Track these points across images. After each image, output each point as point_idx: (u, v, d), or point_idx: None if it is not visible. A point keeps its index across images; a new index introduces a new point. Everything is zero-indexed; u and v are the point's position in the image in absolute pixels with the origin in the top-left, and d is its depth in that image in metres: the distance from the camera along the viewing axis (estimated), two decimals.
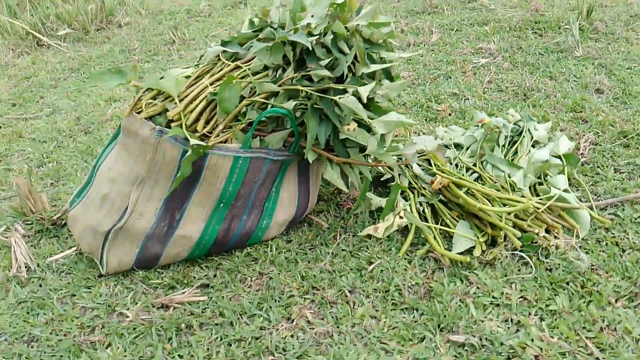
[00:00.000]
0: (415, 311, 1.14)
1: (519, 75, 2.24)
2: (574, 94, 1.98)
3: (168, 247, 1.31)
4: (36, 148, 2.16)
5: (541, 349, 1.01)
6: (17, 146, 2.22)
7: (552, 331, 1.05)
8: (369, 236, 1.36)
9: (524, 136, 1.50)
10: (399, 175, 1.48)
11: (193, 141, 1.15)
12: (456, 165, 1.48)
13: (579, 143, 1.62)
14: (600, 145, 1.63)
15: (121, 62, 3.33)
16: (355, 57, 1.25)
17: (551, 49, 2.47)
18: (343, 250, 1.34)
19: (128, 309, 1.21)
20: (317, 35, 1.24)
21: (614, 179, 1.46)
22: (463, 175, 1.42)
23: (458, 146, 1.56)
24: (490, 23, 2.91)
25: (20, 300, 1.27)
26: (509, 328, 1.07)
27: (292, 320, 1.16)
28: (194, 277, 1.32)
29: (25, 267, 1.36)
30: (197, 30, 3.86)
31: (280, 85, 1.23)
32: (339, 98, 1.20)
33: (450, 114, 1.97)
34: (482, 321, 1.08)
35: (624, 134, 1.65)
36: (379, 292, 1.20)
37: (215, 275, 1.31)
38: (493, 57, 2.47)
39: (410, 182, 1.47)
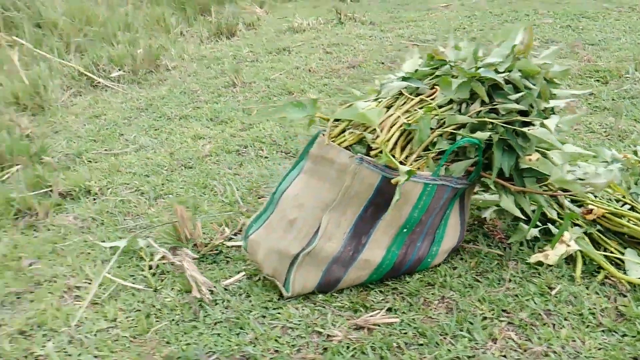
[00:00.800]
0: (615, 333, 1.19)
1: (604, 118, 2.38)
2: None
3: (350, 271, 1.35)
4: (143, 181, 2.20)
5: None
6: (120, 179, 2.25)
7: None
8: (539, 263, 1.42)
9: None
10: (545, 207, 1.56)
11: (404, 167, 1.21)
12: (601, 197, 1.57)
13: None
14: None
15: (187, 103, 3.40)
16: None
17: (622, 95, 2.63)
18: (515, 276, 1.40)
19: (330, 329, 1.24)
20: (502, 72, 1.34)
21: None
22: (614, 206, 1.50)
23: None
24: None
25: (216, 321, 1.28)
26: None
27: (496, 341, 1.19)
28: (374, 301, 1.35)
29: (209, 290, 1.38)
30: (251, 74, 3.98)
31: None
32: (529, 129, 1.29)
33: None
34: None
35: None
36: (574, 315, 1.25)
37: (395, 299, 1.35)
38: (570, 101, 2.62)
39: (558, 213, 1.54)
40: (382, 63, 4.01)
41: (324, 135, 1.38)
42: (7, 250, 1.73)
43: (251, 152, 2.43)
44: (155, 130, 2.93)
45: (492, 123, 1.33)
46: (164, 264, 1.53)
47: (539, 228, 1.54)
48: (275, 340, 1.22)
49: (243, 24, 6.24)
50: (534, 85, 1.34)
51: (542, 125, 1.30)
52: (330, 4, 6.75)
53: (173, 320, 1.31)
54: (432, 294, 1.36)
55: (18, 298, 1.47)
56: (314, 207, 1.34)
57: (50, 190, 2.12)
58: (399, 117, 1.34)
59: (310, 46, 4.80)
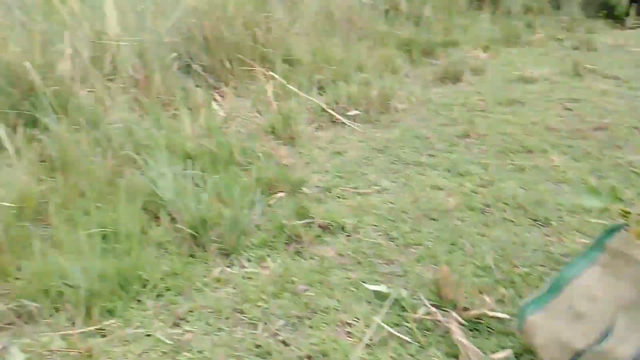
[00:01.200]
0: None
1: None
2: None
3: None
4: (391, 226, 2.34)
5: None
6: (368, 220, 2.43)
7: None
8: None
9: None
10: None
11: None
12: None
13: None
14: None
15: (421, 149, 3.51)
16: None
17: None
18: None
19: None
20: None
21: None
22: None
23: None
24: None
25: None
26: None
27: None
28: None
29: None
30: (484, 125, 3.94)
31: None
32: None
33: None
34: None
35: None
36: None
37: None
38: None
39: None
40: (636, 128, 3.64)
41: (627, 230, 1.31)
42: (282, 271, 2.01)
43: (495, 213, 2.41)
44: (394, 173, 3.10)
45: None
46: (427, 320, 1.61)
47: None
48: None
49: (468, 69, 6.24)
50: None
51: None
52: (560, 52, 6.38)
53: None
54: None
55: (299, 321, 1.69)
56: (608, 304, 1.28)
57: (312, 221, 2.40)
58: None
59: (546, 99, 4.58)
